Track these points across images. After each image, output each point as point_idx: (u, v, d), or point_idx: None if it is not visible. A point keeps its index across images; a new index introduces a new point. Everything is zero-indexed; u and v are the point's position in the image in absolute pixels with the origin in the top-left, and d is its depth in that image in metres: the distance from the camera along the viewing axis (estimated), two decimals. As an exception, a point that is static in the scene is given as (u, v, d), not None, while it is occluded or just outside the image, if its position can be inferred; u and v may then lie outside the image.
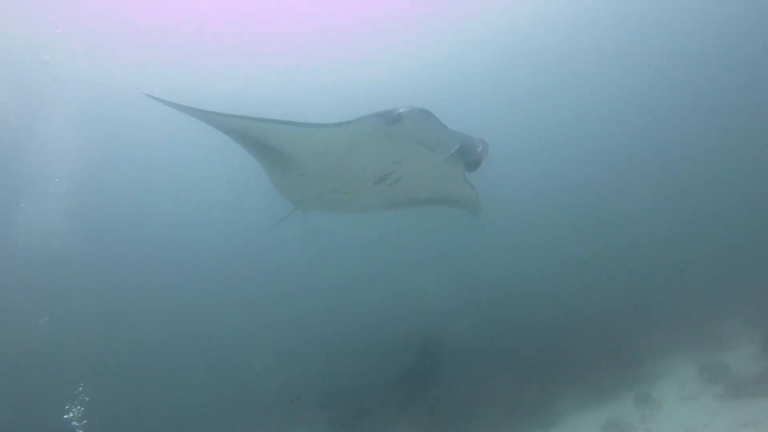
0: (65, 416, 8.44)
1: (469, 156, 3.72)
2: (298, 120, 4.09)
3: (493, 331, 10.23)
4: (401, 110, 3.93)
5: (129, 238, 18.83)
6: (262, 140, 4.42)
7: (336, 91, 19.57)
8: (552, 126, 20.24)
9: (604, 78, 19.54)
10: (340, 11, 16.63)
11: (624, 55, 18.60)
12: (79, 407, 8.58)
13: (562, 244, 14.43)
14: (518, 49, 18.89)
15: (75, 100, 16.97)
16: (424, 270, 14.84)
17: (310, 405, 9.54)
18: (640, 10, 16.73)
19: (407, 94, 18.42)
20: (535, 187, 17.57)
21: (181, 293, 16.27)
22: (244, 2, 15.83)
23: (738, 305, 8.33)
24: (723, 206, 13.33)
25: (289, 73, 19.03)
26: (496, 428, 7.58)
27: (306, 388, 9.49)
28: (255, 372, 10.90)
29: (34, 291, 12.85)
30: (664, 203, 14.59)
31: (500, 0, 16.37)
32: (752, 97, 16.53)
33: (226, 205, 20.95)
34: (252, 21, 16.65)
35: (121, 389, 10.25)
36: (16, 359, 10.73)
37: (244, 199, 19.06)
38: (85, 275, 14.92)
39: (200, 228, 20.05)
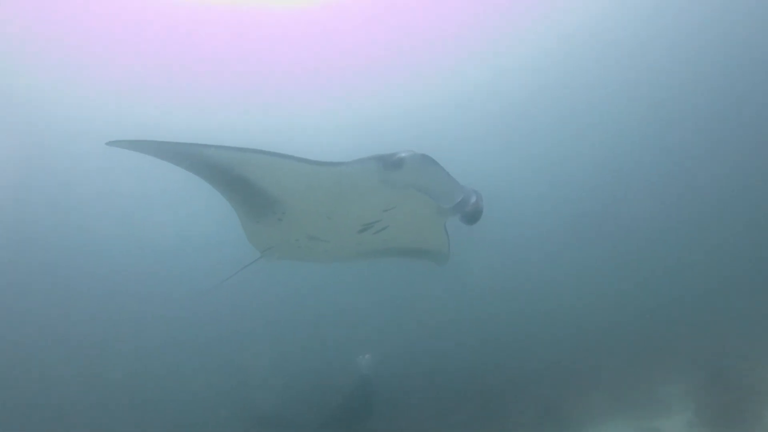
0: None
1: (469, 207, 3.61)
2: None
3: (426, 389, 9.88)
4: (403, 155, 3.68)
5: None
6: (245, 177, 3.92)
7: (316, 134, 19.41)
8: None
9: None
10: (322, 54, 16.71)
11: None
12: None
13: (504, 303, 14.31)
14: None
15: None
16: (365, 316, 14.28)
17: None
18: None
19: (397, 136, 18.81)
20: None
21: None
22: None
23: (674, 373, 8.53)
24: (664, 275, 13.73)
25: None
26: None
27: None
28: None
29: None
30: (605, 270, 14.85)
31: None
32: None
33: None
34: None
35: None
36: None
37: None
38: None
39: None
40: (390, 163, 3.68)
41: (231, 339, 14.25)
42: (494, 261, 15.29)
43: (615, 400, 8.21)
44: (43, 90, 16.14)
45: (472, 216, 3.62)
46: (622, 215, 16.50)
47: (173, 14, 14.47)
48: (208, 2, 14.37)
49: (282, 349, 12.73)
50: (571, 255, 15.77)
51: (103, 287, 16.19)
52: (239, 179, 3.94)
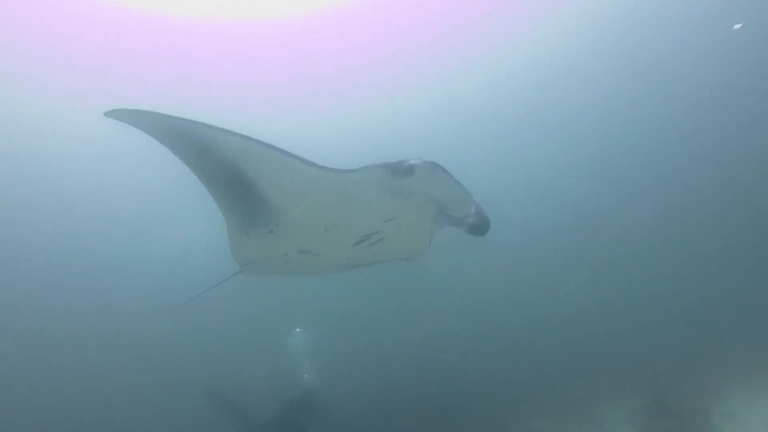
0: None
1: (481, 218, 3.53)
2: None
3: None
4: (413, 162, 3.55)
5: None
6: (246, 172, 3.59)
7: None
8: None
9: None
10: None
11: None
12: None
13: (458, 322, 14.48)
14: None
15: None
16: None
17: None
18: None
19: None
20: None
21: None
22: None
23: (619, 398, 8.89)
24: (611, 304, 14.24)
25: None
26: None
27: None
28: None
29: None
30: (553, 295, 15.01)
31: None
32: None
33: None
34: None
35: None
36: None
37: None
38: None
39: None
40: (400, 171, 3.55)
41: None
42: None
43: (561, 421, 8.51)
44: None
45: (481, 227, 3.54)
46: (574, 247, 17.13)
47: (166, 26, 14.31)
48: (201, 14, 14.25)
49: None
50: (520, 279, 16.02)
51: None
52: (239, 175, 3.63)
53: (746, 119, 16.46)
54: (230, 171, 3.58)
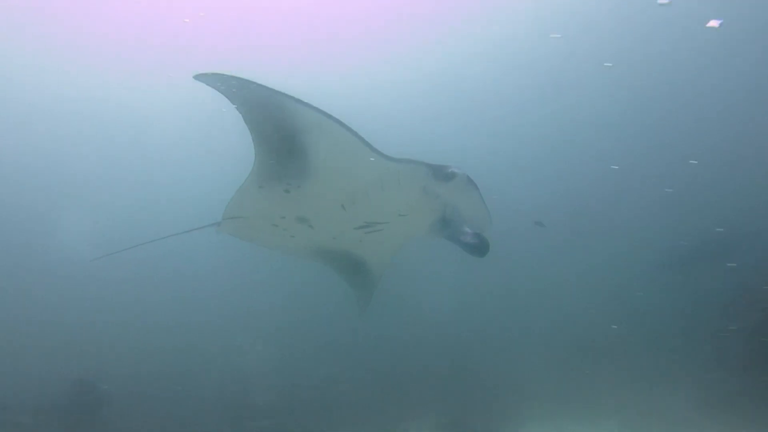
0: None
1: (478, 239, 3.65)
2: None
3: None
4: (454, 170, 3.85)
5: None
6: (303, 132, 3.65)
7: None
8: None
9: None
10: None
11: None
12: None
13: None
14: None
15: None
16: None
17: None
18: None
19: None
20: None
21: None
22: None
23: (425, 413, 9.55)
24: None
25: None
26: None
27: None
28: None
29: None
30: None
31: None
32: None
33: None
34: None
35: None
36: None
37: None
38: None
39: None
40: (441, 174, 3.82)
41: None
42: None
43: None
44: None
45: (481, 249, 3.62)
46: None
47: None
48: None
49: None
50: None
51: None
52: (297, 137, 3.70)
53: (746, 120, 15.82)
54: (290, 133, 3.68)
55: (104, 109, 17.78)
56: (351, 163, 3.79)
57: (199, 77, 3.25)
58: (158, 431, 8.88)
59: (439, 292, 14.05)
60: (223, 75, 3.27)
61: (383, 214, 4.23)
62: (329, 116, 3.44)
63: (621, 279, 14.66)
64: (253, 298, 15.20)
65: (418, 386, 10.41)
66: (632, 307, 13.03)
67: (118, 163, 19.54)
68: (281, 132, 3.70)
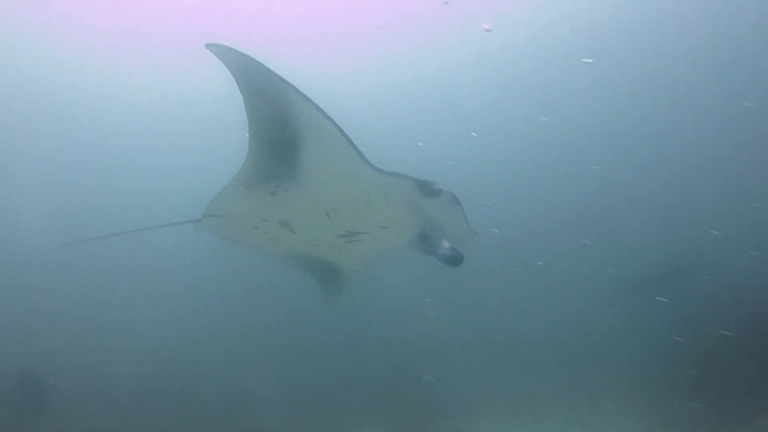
0: None
1: (453, 252, 3.73)
2: None
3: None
4: (441, 187, 3.97)
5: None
6: (301, 130, 3.57)
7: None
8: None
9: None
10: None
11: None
12: None
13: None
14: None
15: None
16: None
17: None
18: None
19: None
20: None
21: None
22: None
23: (379, 418, 9.79)
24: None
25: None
26: None
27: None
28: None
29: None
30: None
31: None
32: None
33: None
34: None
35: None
36: None
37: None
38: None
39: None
40: (428, 190, 3.93)
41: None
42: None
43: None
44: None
45: (455, 260, 3.71)
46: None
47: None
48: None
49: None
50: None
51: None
52: (294, 134, 3.61)
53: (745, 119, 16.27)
54: (289, 128, 3.60)
55: (91, 98, 17.85)
56: (342, 171, 3.78)
57: (210, 47, 3.13)
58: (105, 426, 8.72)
59: (397, 297, 14.20)
60: (236, 51, 3.13)
61: (366, 225, 4.26)
62: (332, 120, 3.40)
63: (577, 298, 14.99)
64: (212, 297, 15.15)
65: (371, 390, 10.59)
66: (587, 328, 13.39)
67: (106, 152, 19.31)
68: (281, 125, 3.59)
